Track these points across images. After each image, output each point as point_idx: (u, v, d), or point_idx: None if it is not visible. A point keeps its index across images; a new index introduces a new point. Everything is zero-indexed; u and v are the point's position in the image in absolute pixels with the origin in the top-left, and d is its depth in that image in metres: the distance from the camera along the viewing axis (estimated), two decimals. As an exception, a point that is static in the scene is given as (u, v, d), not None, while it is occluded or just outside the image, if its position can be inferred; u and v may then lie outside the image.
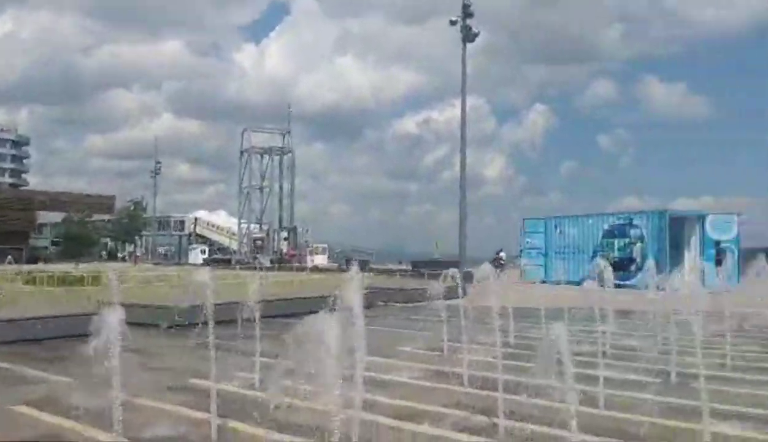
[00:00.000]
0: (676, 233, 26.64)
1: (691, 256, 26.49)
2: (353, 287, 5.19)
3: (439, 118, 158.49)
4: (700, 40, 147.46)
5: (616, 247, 27.54)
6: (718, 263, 24.15)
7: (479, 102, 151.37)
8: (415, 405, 6.64)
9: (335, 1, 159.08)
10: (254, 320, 7.19)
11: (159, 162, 72.05)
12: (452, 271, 9.88)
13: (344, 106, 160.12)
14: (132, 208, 76.83)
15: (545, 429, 5.34)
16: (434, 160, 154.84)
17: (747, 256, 26.32)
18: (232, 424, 5.76)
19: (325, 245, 70.46)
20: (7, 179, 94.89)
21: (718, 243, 25.28)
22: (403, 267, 38.38)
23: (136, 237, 74.84)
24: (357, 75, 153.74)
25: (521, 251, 31.29)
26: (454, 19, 26.38)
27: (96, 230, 71.80)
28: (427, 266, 34.38)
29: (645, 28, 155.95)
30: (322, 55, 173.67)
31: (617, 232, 27.71)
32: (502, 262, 37.08)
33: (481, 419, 6.00)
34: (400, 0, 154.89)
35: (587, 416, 5.57)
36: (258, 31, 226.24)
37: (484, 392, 6.71)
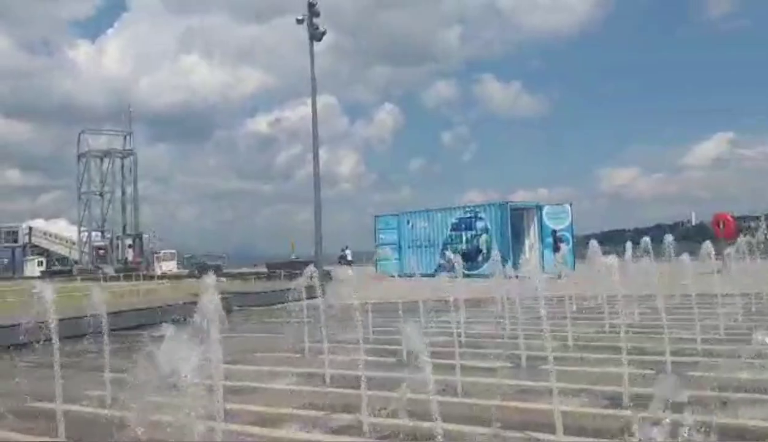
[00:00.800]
0: (516, 223, 28.35)
1: (530, 244, 28.29)
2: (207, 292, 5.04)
3: (291, 116, 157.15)
4: (532, 42, 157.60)
5: (463, 239, 28.78)
6: (556, 249, 26.01)
7: (330, 100, 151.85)
8: (276, 410, 6.54)
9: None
10: (101, 334, 6.76)
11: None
12: (311, 270, 9.83)
13: (191, 106, 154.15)
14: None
15: (408, 422, 5.46)
16: (287, 159, 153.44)
17: (579, 243, 28.65)
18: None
19: (174, 251, 67.73)
20: None
21: (554, 232, 27.15)
22: (258, 270, 37.78)
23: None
24: (203, 74, 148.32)
25: (376, 246, 31.83)
26: (300, 17, 26.31)
27: None
28: (282, 267, 34.09)
29: (480, 31, 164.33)
30: (165, 54, 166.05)
31: (464, 225, 28.98)
32: (349, 259, 37.71)
33: (344, 416, 6.02)
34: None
35: (447, 404, 5.77)
36: (94, 27, 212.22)
37: (347, 390, 6.75)
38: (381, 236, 31.72)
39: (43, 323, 5.33)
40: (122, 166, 69.23)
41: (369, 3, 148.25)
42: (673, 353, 7.75)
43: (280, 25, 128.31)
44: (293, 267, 33.69)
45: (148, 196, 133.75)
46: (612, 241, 36.09)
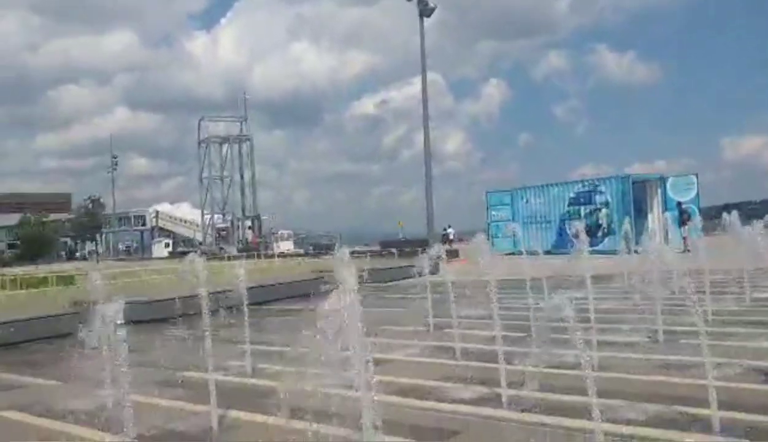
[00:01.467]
0: (638, 196, 27.14)
1: (654, 218, 27.03)
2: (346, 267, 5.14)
3: (397, 97, 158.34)
4: (646, 9, 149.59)
5: (582, 214, 27.89)
6: (683, 223, 24.71)
7: (435, 78, 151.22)
8: (414, 381, 6.64)
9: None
10: (240, 308, 7.09)
11: (115, 156, 70.68)
12: (436, 249, 9.83)
13: (301, 92, 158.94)
14: (90, 205, 75.09)
15: (548, 395, 5.38)
16: (394, 139, 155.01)
17: (706, 214, 27.10)
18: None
19: (291, 232, 70.18)
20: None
21: (680, 204, 25.81)
22: (372, 249, 38.40)
23: (97, 235, 73.30)
24: (312, 59, 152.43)
25: (488, 224, 31.45)
26: (408, -5, 26.18)
27: (54, 230, 70.05)
28: (394, 246, 34.46)
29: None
30: (276, 41, 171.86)
31: (583, 199, 28.07)
32: (451, 238, 37.42)
33: (481, 389, 6.01)
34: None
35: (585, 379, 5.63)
36: (208, 18, 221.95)
37: (479, 364, 6.74)
38: (494, 212, 31.29)
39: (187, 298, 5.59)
40: (240, 151, 72.16)
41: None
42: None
43: (386, 5, 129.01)
44: (404, 245, 34.07)
45: (263, 181, 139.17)
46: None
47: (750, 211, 34.23)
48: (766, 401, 5.23)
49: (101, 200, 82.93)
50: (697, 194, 26.90)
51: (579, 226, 14.50)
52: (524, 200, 30.16)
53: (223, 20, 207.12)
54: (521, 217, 30.11)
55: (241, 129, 72.55)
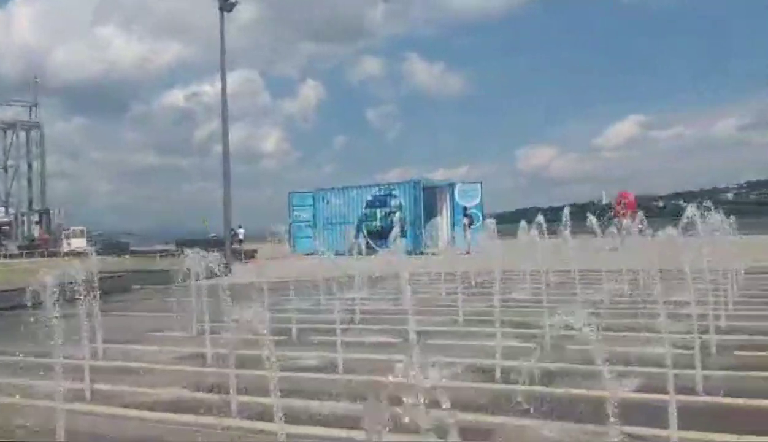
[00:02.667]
0: (430, 201, 28.66)
1: (443, 221, 28.67)
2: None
3: (210, 91, 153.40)
4: (457, 22, 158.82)
5: (378, 216, 28.85)
6: (468, 226, 26.45)
7: (252, 76, 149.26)
8: (149, 390, 6.35)
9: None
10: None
11: None
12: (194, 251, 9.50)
13: (107, 79, 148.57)
14: None
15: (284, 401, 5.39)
16: (205, 134, 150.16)
17: (506, 218, 29.31)
18: None
19: (84, 228, 65.21)
20: None
21: (465, 209, 27.60)
22: (168, 248, 36.84)
23: None
24: (120, 46, 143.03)
25: (290, 224, 31.46)
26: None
27: None
28: (192, 245, 33.21)
29: (406, 9, 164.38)
30: (80, 24, 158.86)
31: (379, 202, 29.05)
32: (241, 238, 36.97)
33: (212, 397, 5.89)
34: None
35: (325, 381, 5.74)
36: None
37: (220, 370, 6.62)
38: (296, 212, 31.40)
39: None
40: (27, 139, 65.87)
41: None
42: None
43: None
44: (205, 245, 33.01)
45: (59, 172, 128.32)
46: (526, 218, 36.78)
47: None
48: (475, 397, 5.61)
49: None
50: (481, 200, 28.90)
51: (359, 238, 15.13)
52: (325, 202, 30.58)
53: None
54: (322, 218, 30.52)
55: (30, 115, 66.32)
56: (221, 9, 25.31)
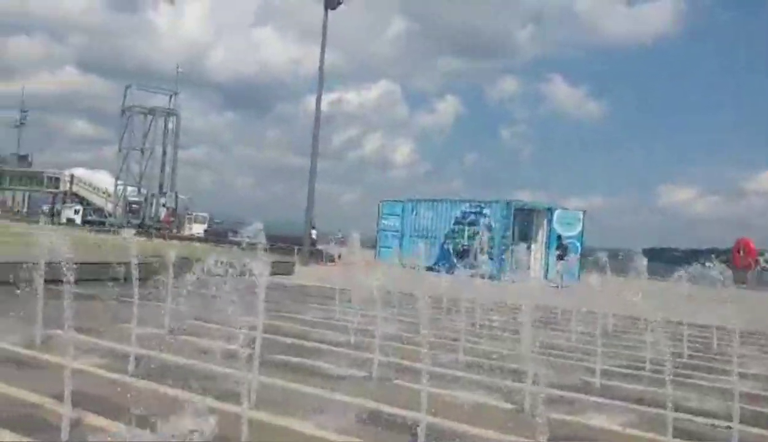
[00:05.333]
0: (524, 224, 26.68)
1: (536, 248, 26.59)
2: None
3: (352, 98, 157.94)
4: (605, 47, 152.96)
5: (465, 234, 27.24)
6: (559, 257, 24.25)
7: (393, 87, 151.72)
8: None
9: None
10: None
11: (25, 112, 67.40)
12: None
13: (258, 78, 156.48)
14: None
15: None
16: (343, 140, 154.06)
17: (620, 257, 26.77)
18: None
19: (206, 215, 68.29)
20: None
21: (560, 237, 25.41)
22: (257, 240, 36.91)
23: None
24: (274, 48, 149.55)
25: (377, 233, 30.53)
26: (317, -17, 25.04)
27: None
28: (284, 241, 33.23)
29: (554, 31, 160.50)
30: (240, 24, 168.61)
31: (467, 219, 27.43)
32: (314, 238, 35.90)
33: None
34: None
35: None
36: None
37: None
38: (384, 221, 30.41)
39: None
40: (165, 125, 69.47)
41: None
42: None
43: (355, 6, 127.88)
44: (295, 242, 32.84)
45: (207, 162, 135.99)
46: (659, 258, 33.90)
47: (672, 258, 34.36)
48: None
49: (29, 159, 79.33)
50: (582, 231, 26.52)
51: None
52: (414, 213, 29.36)
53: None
54: (409, 229, 29.34)
55: (170, 103, 70.04)
56: (326, 6, 24.86)
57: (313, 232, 37.10)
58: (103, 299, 9.56)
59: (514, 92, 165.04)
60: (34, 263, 6.52)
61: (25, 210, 71.92)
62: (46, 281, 6.65)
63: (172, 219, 64.74)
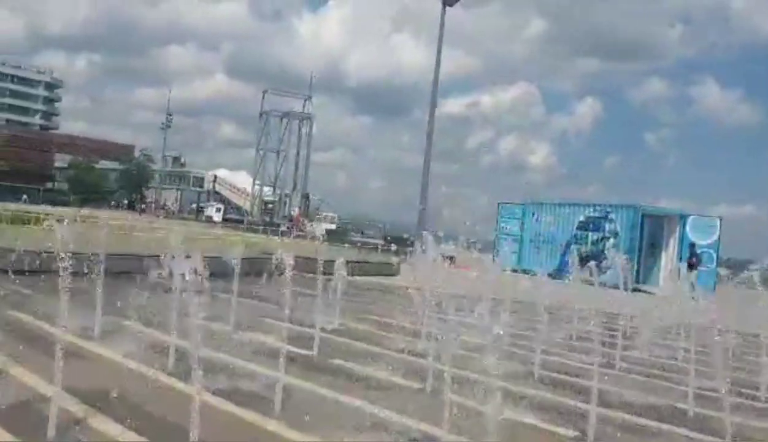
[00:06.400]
0: (654, 232, 24.74)
1: (668, 257, 24.56)
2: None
3: (487, 101, 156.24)
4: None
5: (589, 240, 25.64)
6: (690, 267, 22.17)
7: (529, 88, 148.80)
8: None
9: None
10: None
11: (170, 115, 72.20)
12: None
13: (393, 82, 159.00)
14: (142, 158, 76.90)
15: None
16: (477, 143, 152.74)
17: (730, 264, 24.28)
18: None
19: (334, 215, 69.97)
20: (37, 121, 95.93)
21: (692, 246, 23.24)
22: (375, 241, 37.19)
23: (143, 188, 75.00)
24: (409, 52, 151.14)
25: (495, 236, 29.49)
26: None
27: (101, 177, 72.12)
28: (397, 242, 33.08)
29: (705, 32, 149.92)
30: (376, 30, 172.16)
31: (592, 225, 25.79)
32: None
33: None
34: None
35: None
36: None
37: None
38: (502, 225, 29.31)
39: None
40: (299, 128, 72.10)
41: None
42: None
43: (488, 12, 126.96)
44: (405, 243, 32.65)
45: (342, 163, 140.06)
46: None
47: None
48: None
49: (182, 160, 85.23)
50: (719, 240, 24.16)
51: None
52: (534, 217, 28.08)
53: (331, 2, 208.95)
54: (529, 233, 28.10)
55: (304, 107, 72.52)
56: (444, 3, 24.34)
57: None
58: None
59: (659, 95, 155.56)
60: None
61: (177, 208, 76.96)
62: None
63: (302, 218, 66.78)
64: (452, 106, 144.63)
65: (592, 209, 26.26)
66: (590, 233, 25.85)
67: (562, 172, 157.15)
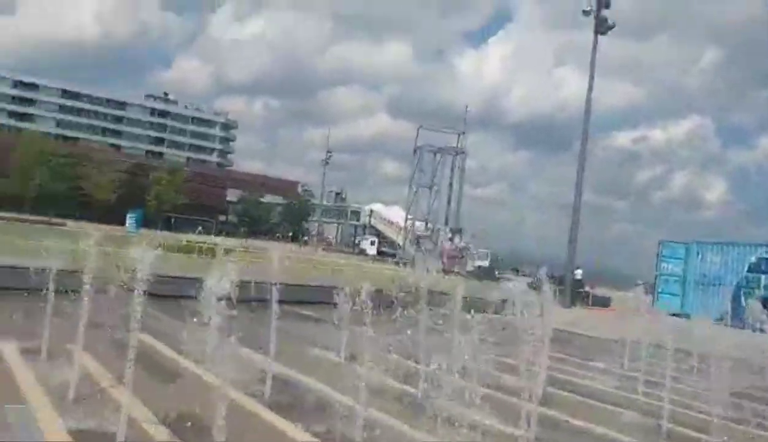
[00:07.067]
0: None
1: None
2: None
3: (658, 135, 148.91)
4: None
5: (762, 283, 23.22)
6: None
7: (704, 122, 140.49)
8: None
9: (557, 11, 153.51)
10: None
11: (330, 152, 75.32)
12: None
13: (554, 117, 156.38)
14: (303, 193, 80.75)
15: None
16: (647, 178, 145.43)
17: None
18: None
19: (488, 251, 68.90)
20: (214, 158, 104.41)
21: None
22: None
23: (303, 222, 78.59)
24: (572, 87, 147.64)
25: (656, 277, 27.57)
26: (587, 8, 23.74)
27: (267, 211, 76.54)
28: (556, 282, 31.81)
29: None
30: (537, 65, 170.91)
31: (765, 266, 23.36)
32: (579, 278, 32.71)
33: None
34: (626, 15, 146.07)
35: None
36: (479, 36, 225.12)
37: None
38: (664, 264, 27.30)
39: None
40: (453, 164, 72.32)
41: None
42: None
43: (657, 43, 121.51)
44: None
45: (500, 198, 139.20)
46: None
47: None
48: None
49: (343, 195, 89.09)
50: None
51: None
52: (699, 257, 25.93)
53: (492, 39, 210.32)
54: (693, 274, 25.99)
55: (458, 142, 72.75)
56: (596, 31, 23.53)
57: (578, 272, 34.92)
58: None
59: None
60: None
61: (338, 240, 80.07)
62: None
63: (454, 254, 66.48)
64: (620, 139, 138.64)
65: (764, 250, 23.81)
66: (763, 276, 23.43)
67: (739, 209, 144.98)
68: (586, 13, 23.96)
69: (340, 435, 5.15)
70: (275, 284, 6.53)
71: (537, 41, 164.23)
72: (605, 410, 7.90)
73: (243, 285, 5.09)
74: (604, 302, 27.18)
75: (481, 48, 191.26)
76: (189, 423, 5.01)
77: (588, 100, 23.47)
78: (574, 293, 25.66)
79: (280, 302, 6.59)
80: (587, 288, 31.82)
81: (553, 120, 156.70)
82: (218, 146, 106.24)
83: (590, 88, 23.25)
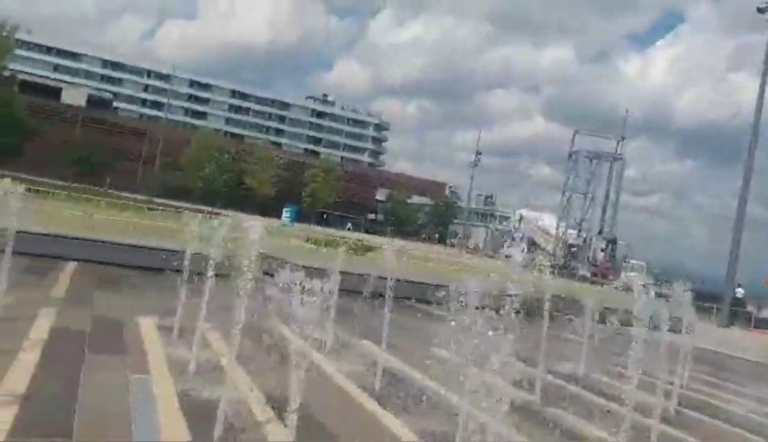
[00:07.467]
0: None
1: None
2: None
3: None
4: None
5: None
6: None
7: None
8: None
9: (733, 11, 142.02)
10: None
11: (479, 153, 74.54)
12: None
13: (730, 125, 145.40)
14: (450, 195, 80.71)
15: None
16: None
17: None
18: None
19: (644, 264, 65.18)
20: (366, 158, 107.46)
21: None
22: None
23: (449, 224, 78.62)
24: (748, 92, 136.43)
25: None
26: (762, 6, 21.66)
27: (413, 211, 77.36)
28: (705, 299, 29.40)
29: None
30: (711, 69, 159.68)
31: None
32: (740, 297, 29.88)
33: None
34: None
35: None
36: (646, 39, 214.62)
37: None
38: None
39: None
40: (610, 170, 69.19)
41: None
42: None
43: None
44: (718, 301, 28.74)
45: (662, 209, 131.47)
46: None
47: None
48: None
49: (492, 199, 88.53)
50: None
51: None
52: None
53: (660, 42, 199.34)
54: None
55: (617, 148, 69.53)
56: None
57: (740, 290, 31.95)
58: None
59: None
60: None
61: (485, 244, 79.27)
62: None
63: (609, 265, 63.71)
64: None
65: None
66: None
67: None
68: (761, 10, 21.89)
69: None
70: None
71: (709, 44, 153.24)
72: (733, 433, 7.36)
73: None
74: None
75: (647, 51, 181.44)
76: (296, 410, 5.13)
77: (759, 105, 21.49)
78: (733, 313, 23.61)
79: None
80: (749, 308, 29.23)
81: (723, 128, 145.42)
82: (371, 146, 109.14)
83: (762, 92, 21.27)
